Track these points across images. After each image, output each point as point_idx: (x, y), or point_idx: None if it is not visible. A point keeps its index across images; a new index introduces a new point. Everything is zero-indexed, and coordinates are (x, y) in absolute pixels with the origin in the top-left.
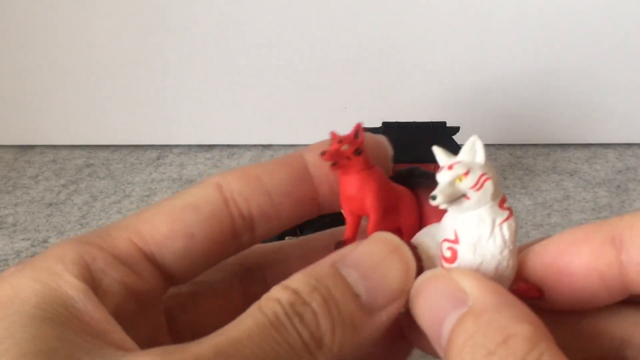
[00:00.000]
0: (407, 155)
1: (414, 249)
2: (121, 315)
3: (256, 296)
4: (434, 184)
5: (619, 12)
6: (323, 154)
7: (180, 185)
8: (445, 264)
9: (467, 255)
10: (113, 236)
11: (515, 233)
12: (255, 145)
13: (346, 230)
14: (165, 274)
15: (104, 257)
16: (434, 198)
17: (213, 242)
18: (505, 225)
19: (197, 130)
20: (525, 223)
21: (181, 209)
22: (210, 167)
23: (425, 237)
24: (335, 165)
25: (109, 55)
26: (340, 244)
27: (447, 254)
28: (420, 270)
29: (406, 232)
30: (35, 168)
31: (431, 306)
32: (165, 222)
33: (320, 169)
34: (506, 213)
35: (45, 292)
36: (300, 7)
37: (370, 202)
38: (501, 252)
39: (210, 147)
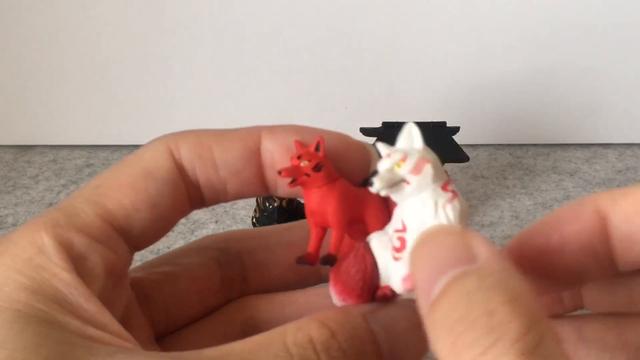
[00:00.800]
0: None
1: (366, 243)
2: (104, 297)
3: (233, 281)
4: None
5: (620, 11)
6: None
7: None
8: (396, 254)
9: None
10: (82, 216)
11: (462, 214)
12: None
13: (310, 243)
14: (131, 245)
15: (82, 241)
16: (372, 184)
17: (173, 208)
18: (449, 207)
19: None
20: (526, 223)
21: (141, 177)
22: None
23: (376, 233)
24: (293, 182)
25: (109, 55)
26: (302, 259)
27: (397, 243)
28: (372, 264)
29: None
30: (35, 168)
31: (433, 257)
32: (129, 195)
33: (271, 156)
34: (449, 195)
35: (35, 287)
36: (301, 7)
37: (331, 218)
38: None
39: None
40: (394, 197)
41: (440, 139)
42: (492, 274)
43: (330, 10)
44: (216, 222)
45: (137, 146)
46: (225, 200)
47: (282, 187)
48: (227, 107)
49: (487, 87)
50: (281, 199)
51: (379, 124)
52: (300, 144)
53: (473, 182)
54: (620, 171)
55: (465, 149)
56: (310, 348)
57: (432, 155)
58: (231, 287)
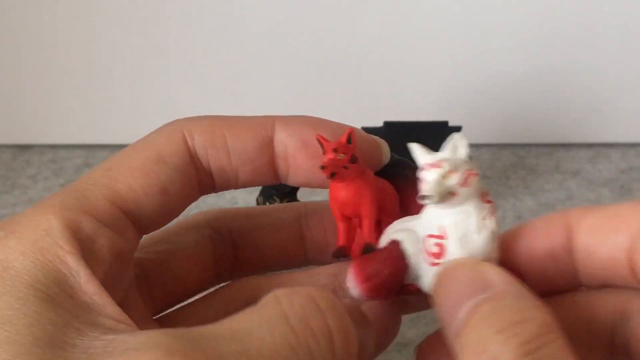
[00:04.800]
0: (409, 154)
1: (397, 245)
2: (109, 279)
3: (225, 259)
4: (414, 174)
5: (623, 9)
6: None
7: None
8: (433, 260)
9: (455, 250)
10: (91, 198)
11: (498, 226)
12: None
13: (340, 236)
14: (140, 228)
15: (90, 224)
16: (425, 197)
17: (183, 194)
18: (491, 219)
19: None
20: None
21: (153, 162)
22: None
23: (403, 233)
24: (333, 175)
25: (109, 54)
26: (338, 253)
27: (435, 249)
28: (405, 267)
29: (388, 225)
30: (34, 168)
31: (452, 290)
32: (139, 179)
33: (284, 147)
34: (489, 207)
35: (38, 269)
36: (301, 6)
37: (366, 209)
38: (487, 245)
39: None
40: (436, 205)
41: (442, 138)
42: (505, 297)
43: (331, 9)
44: None
45: None
46: (236, 187)
47: (293, 176)
48: (227, 106)
49: (489, 87)
50: (281, 199)
51: (380, 123)
52: (324, 138)
53: None
54: (623, 171)
55: None
56: (314, 307)
57: (476, 167)
58: (223, 265)
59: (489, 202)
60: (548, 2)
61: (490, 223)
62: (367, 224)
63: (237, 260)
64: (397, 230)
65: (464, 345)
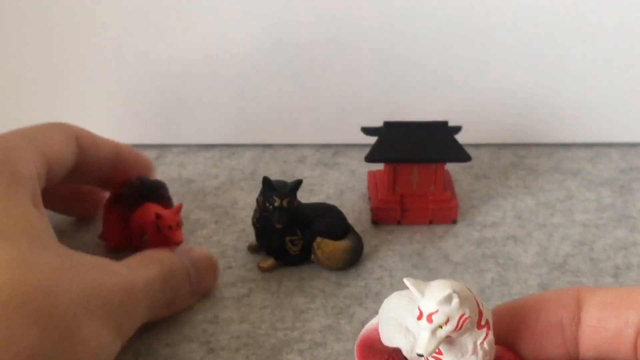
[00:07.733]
0: (409, 154)
1: (399, 352)
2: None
3: None
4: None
5: (623, 9)
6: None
7: (180, 185)
8: None
9: None
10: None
11: (492, 346)
12: (255, 145)
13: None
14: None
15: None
16: (419, 355)
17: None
18: (485, 343)
19: (197, 129)
20: (528, 223)
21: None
22: (210, 167)
23: (404, 338)
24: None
25: (108, 53)
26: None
27: None
28: None
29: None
30: None
31: None
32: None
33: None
34: (484, 331)
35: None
36: (300, 6)
37: None
38: None
39: (210, 146)
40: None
41: (442, 138)
42: None
43: (331, 8)
44: (216, 222)
45: (136, 146)
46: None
47: None
48: (228, 107)
49: (489, 87)
50: (281, 199)
51: (380, 123)
52: None
53: (475, 182)
54: (623, 171)
55: (467, 149)
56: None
57: (468, 303)
58: None
59: (482, 327)
60: (548, 2)
61: (486, 345)
62: None
63: None
64: (400, 331)
65: None
